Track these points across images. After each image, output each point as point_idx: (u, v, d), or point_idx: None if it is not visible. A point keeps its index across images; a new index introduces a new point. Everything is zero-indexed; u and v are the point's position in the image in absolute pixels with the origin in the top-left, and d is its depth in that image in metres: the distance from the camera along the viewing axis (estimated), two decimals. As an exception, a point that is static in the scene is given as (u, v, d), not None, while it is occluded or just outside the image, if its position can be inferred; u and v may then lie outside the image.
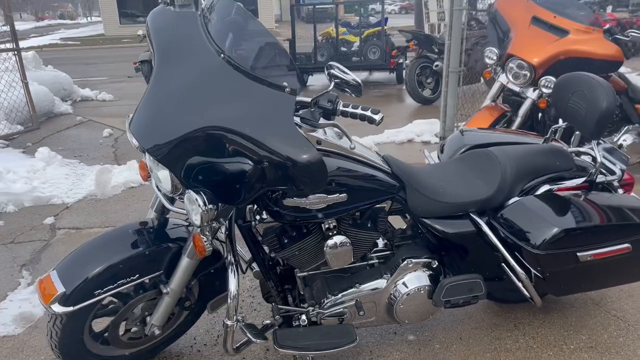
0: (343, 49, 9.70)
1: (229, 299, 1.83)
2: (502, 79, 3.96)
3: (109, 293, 1.86)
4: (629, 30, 3.83)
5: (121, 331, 2.08)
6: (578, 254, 1.96)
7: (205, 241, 1.78)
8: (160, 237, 1.98)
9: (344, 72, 1.71)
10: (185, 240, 1.98)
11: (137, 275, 1.90)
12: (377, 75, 10.50)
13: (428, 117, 6.23)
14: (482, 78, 8.41)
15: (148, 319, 2.07)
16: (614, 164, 2.27)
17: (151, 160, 1.77)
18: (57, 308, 1.79)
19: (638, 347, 2.23)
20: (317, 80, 9.44)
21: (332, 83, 1.72)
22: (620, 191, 2.27)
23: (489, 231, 2.05)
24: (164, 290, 1.96)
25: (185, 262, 1.93)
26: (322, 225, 1.95)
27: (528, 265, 2.02)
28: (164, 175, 1.75)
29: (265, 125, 1.59)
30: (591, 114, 2.09)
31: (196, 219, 1.65)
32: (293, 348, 1.97)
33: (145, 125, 1.70)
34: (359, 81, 1.68)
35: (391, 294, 2.08)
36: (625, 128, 4.05)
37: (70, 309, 1.80)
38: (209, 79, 1.68)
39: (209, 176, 1.66)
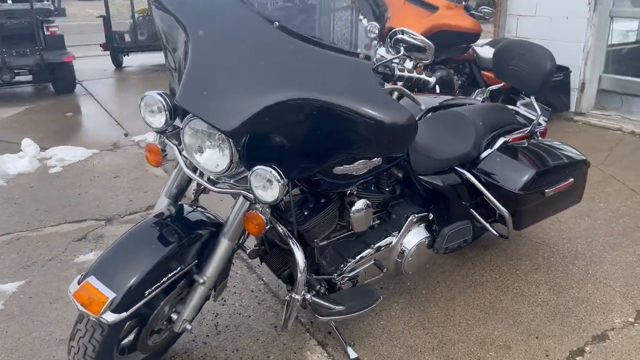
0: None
1: (298, 273, 1.79)
2: (382, 51, 4.30)
3: (156, 291, 1.67)
4: (482, 7, 4.49)
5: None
6: (545, 190, 2.37)
7: (265, 218, 1.70)
8: (187, 225, 1.82)
9: (414, 36, 1.78)
10: (210, 225, 1.86)
11: (178, 269, 1.73)
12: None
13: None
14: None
15: (174, 316, 1.89)
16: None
17: (195, 139, 1.62)
18: (110, 317, 1.56)
19: (569, 262, 2.78)
20: (133, 61, 8.82)
21: (402, 49, 1.77)
22: (539, 138, 2.76)
23: (475, 180, 2.34)
24: (200, 280, 1.81)
25: (224, 246, 1.81)
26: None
27: (502, 206, 2.36)
28: (212, 155, 1.62)
29: (355, 92, 1.58)
30: (535, 74, 2.49)
31: (270, 195, 1.58)
32: (332, 314, 2.01)
33: (210, 101, 1.55)
34: (431, 44, 1.76)
35: (400, 249, 2.23)
36: (476, 91, 4.76)
37: (124, 315, 1.59)
38: (271, 50, 1.60)
39: (283, 150, 1.60)
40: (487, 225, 2.49)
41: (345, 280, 2.11)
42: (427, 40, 1.79)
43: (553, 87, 4.69)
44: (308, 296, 1.86)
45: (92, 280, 1.60)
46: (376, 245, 2.18)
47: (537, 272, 2.69)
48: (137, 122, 5.51)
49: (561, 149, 2.57)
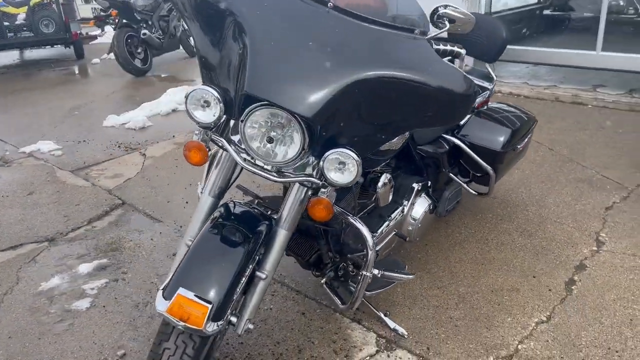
0: (5, 23, 8.14)
1: (368, 250, 1.81)
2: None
3: (238, 293, 1.59)
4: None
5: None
6: (517, 146, 2.65)
7: (332, 202, 1.70)
8: (247, 223, 1.73)
9: (457, 9, 1.85)
10: (263, 218, 1.80)
11: (250, 268, 1.66)
12: (48, 52, 9.25)
13: (173, 86, 6.10)
14: (180, 45, 8.50)
15: (232, 319, 1.80)
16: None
17: (258, 130, 1.56)
18: (211, 327, 1.47)
19: (523, 209, 3.13)
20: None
21: (447, 23, 1.83)
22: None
23: (462, 144, 2.53)
24: (262, 276, 1.75)
25: (283, 237, 1.76)
26: None
27: (487, 165, 2.59)
28: (281, 144, 1.58)
29: (420, 65, 1.62)
30: (493, 43, 2.74)
31: (347, 177, 1.58)
32: (378, 288, 2.08)
33: (282, 87, 1.50)
34: (472, 16, 1.84)
35: (411, 217, 2.36)
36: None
37: (222, 323, 1.50)
38: (330, 32, 1.59)
39: (353, 130, 1.61)
40: (466, 185, 2.71)
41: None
42: (468, 13, 1.90)
43: None
44: (376, 271, 1.89)
45: (183, 292, 1.47)
46: (392, 217, 2.26)
47: (503, 222, 3.00)
48: (20, 132, 4.91)
49: (516, 110, 2.87)
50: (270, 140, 1.56)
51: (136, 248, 2.86)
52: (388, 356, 2.05)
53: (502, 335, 2.13)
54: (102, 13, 7.56)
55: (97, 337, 2.18)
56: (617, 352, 2.03)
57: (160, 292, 1.51)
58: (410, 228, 2.35)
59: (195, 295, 1.47)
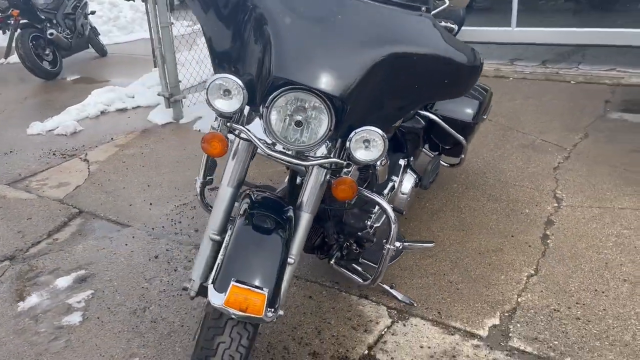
0: None
1: (392, 224, 1.86)
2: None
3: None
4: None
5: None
6: (483, 117, 2.82)
7: (355, 181, 1.74)
8: (274, 210, 1.73)
9: None
10: (284, 203, 1.81)
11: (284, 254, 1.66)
12: None
13: (90, 88, 5.78)
14: (89, 44, 8.04)
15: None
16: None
17: (284, 115, 1.56)
18: (269, 314, 1.46)
19: (482, 176, 3.34)
20: None
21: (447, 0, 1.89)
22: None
23: (437, 118, 2.65)
24: (291, 261, 1.75)
25: (306, 221, 1.77)
26: None
27: (460, 136, 2.74)
28: (309, 127, 1.59)
29: (432, 40, 1.69)
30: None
31: (373, 154, 1.61)
32: (392, 259, 2.15)
33: (309, 69, 1.50)
34: None
35: (401, 192, 2.45)
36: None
37: (276, 308, 1.50)
38: (348, 12, 1.61)
39: (376, 107, 1.65)
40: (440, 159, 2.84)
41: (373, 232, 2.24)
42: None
43: None
44: (398, 244, 1.95)
45: (237, 282, 1.45)
46: (385, 194, 2.34)
47: (469, 190, 3.18)
48: None
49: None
50: (299, 123, 1.56)
51: (112, 255, 2.71)
52: (404, 325, 2.12)
53: (502, 292, 2.28)
54: (0, 14, 6.93)
55: (102, 350, 2.07)
56: (603, 292, 2.24)
57: (211, 287, 1.47)
58: (401, 202, 2.44)
59: (250, 285, 1.45)
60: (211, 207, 2.11)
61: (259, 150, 1.67)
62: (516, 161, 3.52)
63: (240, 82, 1.53)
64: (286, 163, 1.69)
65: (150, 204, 3.25)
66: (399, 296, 2.25)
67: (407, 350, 2.00)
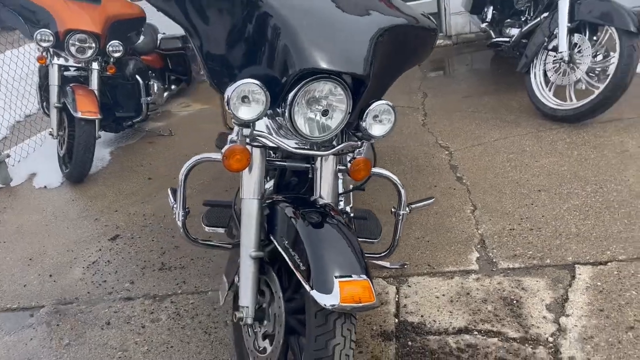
0: None
1: (401, 190, 1.94)
2: (61, 61, 3.81)
3: None
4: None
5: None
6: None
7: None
8: (309, 205, 1.68)
9: None
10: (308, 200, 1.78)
11: None
12: None
13: None
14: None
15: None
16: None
17: (308, 108, 1.56)
18: (376, 298, 1.44)
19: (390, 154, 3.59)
20: None
21: None
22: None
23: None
24: None
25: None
26: None
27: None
28: (331, 115, 1.61)
29: (410, 13, 1.80)
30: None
31: (386, 128, 1.66)
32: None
33: (332, 54, 1.51)
34: None
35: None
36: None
37: (374, 288, 1.49)
38: None
39: (381, 80, 1.73)
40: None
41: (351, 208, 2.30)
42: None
43: (177, 60, 5.27)
44: (408, 209, 2.02)
45: (340, 278, 1.39)
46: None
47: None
48: None
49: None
50: (325, 112, 1.56)
51: (53, 346, 2.27)
52: (409, 286, 2.24)
53: (463, 230, 2.55)
54: None
55: None
56: (532, 204, 2.66)
57: (315, 293, 1.38)
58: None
59: (352, 276, 1.41)
60: (200, 240, 1.96)
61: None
62: (405, 130, 3.87)
63: (261, 86, 1.46)
64: (312, 156, 1.66)
65: (50, 275, 2.76)
66: (388, 264, 2.35)
67: (428, 305, 2.12)
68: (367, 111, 1.60)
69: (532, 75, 3.60)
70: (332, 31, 1.53)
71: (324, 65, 1.46)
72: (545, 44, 3.51)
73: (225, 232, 2.18)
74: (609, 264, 2.17)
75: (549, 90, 3.54)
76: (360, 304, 1.38)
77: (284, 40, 1.46)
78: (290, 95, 1.48)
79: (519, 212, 2.61)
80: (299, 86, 1.47)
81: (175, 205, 2.00)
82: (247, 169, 1.62)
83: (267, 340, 1.65)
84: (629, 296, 1.99)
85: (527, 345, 1.86)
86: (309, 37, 1.47)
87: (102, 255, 2.86)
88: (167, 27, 5.37)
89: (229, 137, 1.60)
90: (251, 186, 1.63)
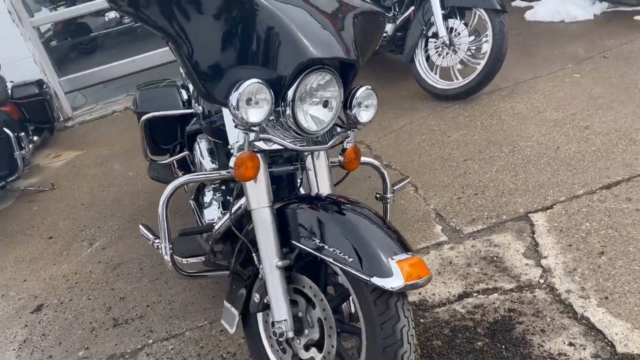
0: None
1: (386, 177, 1.96)
2: None
3: None
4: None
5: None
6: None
7: (357, 147, 1.79)
8: (321, 199, 1.63)
9: None
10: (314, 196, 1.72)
11: None
12: None
13: None
14: None
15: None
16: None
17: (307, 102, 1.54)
18: None
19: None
20: None
21: None
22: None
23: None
24: None
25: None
26: None
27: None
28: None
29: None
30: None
31: (371, 114, 1.64)
32: None
33: (327, 43, 1.49)
34: None
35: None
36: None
37: None
38: None
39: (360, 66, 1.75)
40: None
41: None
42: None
43: (36, 107, 4.71)
44: (393, 192, 2.04)
45: (394, 257, 1.37)
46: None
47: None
48: None
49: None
50: (326, 103, 1.53)
51: None
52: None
53: (416, 209, 2.64)
54: None
55: None
56: (465, 173, 2.86)
57: (377, 279, 1.34)
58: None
59: (403, 254, 1.40)
60: (194, 273, 1.83)
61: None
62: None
63: (266, 86, 1.40)
64: (315, 151, 1.62)
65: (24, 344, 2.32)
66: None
67: (420, 282, 2.16)
68: (354, 98, 1.59)
69: (416, 63, 3.87)
70: (315, 23, 1.51)
71: (321, 54, 1.43)
72: (424, 32, 3.80)
73: (203, 261, 2.03)
74: (555, 206, 2.41)
75: (435, 73, 3.83)
76: (422, 279, 1.36)
77: (279, 37, 1.41)
78: (291, 91, 1.43)
79: (458, 182, 2.78)
80: (298, 80, 1.43)
81: (156, 241, 1.80)
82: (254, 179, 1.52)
83: (312, 350, 1.56)
84: (585, 228, 2.23)
85: (525, 291, 1.99)
86: (301, 30, 1.43)
87: (32, 331, 2.46)
88: (12, 74, 4.81)
89: (236, 144, 1.48)
90: (261, 194, 1.54)
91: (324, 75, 1.47)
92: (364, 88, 1.58)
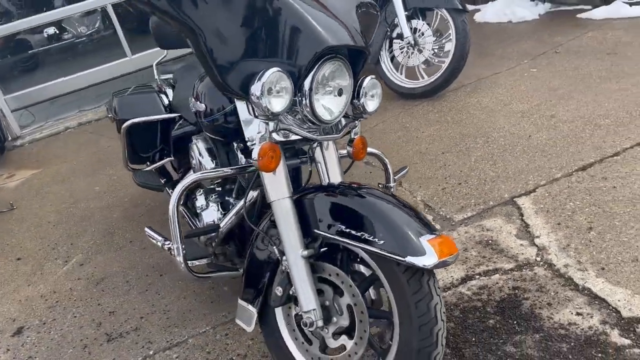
0: None
1: (388, 167, 1.99)
2: None
3: None
4: None
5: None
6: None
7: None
8: (336, 187, 1.64)
9: None
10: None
11: None
12: None
13: None
14: None
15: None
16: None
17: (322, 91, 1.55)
18: None
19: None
20: None
21: None
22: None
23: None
24: None
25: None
26: None
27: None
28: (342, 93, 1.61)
29: None
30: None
31: (377, 103, 1.69)
32: None
33: (337, 31, 1.51)
34: None
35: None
36: None
37: None
38: None
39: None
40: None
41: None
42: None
43: None
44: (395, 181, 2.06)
45: (424, 236, 1.39)
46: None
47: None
48: None
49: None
50: (340, 92, 1.55)
51: None
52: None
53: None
54: None
55: None
56: (445, 165, 2.94)
57: (411, 258, 1.35)
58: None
59: (431, 233, 1.42)
60: (207, 274, 1.80)
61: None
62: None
63: (287, 75, 1.41)
64: (332, 140, 1.63)
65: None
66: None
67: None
68: (361, 88, 1.61)
69: (382, 64, 3.95)
70: (326, 12, 1.52)
71: (336, 42, 1.44)
72: (388, 33, 3.89)
73: (207, 263, 1.99)
74: (537, 190, 2.52)
75: (400, 73, 3.93)
76: (452, 256, 1.39)
77: (295, 27, 1.41)
78: (307, 80, 1.43)
79: (440, 174, 2.86)
80: (315, 69, 1.44)
81: (166, 243, 1.75)
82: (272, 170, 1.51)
83: (343, 337, 1.55)
84: (570, 207, 2.34)
85: (525, 270, 2.06)
86: (315, 19, 1.44)
87: (15, 355, 2.31)
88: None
89: (258, 134, 1.47)
90: (280, 185, 1.53)
91: (337, 63, 1.48)
92: (369, 78, 1.61)
